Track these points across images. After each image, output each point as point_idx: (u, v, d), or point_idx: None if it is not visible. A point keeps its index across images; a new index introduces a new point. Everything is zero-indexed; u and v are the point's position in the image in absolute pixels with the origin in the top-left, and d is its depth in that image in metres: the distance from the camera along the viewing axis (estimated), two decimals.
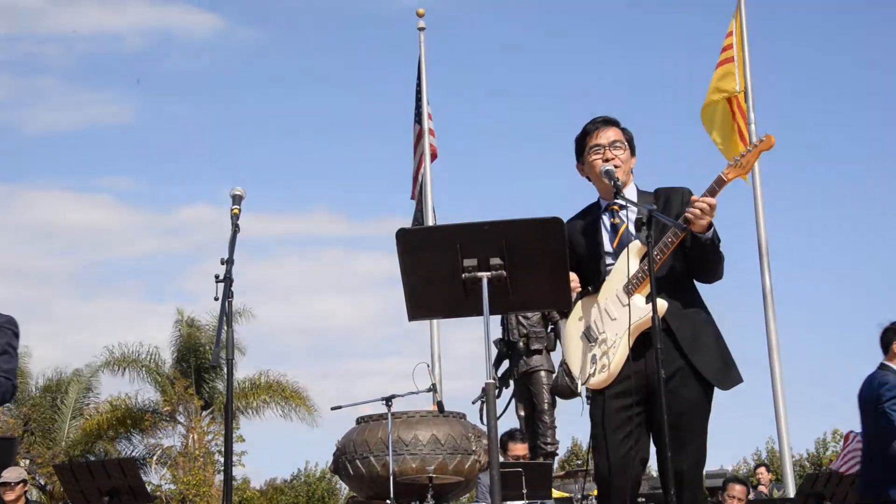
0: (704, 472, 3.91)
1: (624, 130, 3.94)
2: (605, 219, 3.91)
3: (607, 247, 3.87)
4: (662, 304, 3.65)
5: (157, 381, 20.77)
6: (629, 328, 3.67)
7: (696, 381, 3.69)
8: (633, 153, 3.96)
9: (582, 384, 3.85)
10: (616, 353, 3.73)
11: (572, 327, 3.92)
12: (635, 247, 3.76)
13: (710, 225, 3.65)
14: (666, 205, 3.81)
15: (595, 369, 3.78)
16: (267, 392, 21.07)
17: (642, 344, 3.69)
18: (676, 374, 3.66)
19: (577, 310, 3.90)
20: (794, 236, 37.10)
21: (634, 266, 3.74)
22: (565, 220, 3.72)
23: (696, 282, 3.86)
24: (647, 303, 3.67)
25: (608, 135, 3.88)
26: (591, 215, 3.97)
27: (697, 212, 3.58)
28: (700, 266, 3.78)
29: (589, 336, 3.85)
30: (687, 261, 3.77)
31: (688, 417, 3.63)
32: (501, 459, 6.68)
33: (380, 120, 37.02)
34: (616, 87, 35.56)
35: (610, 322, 3.78)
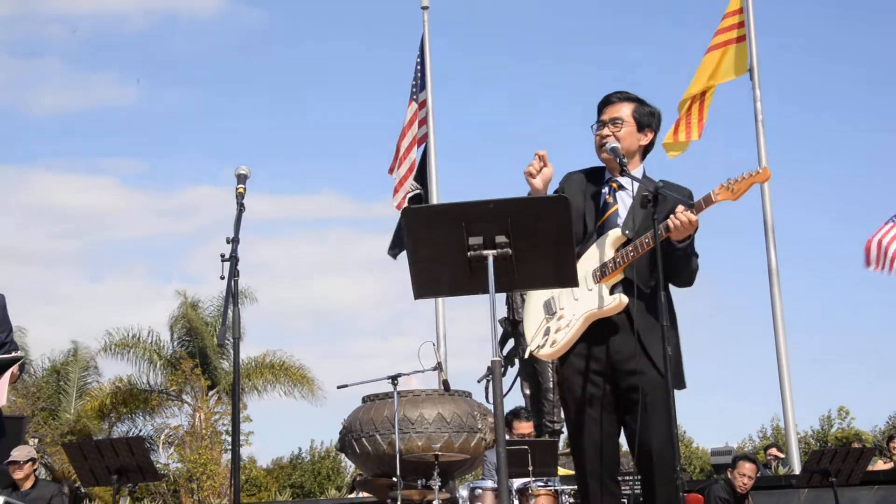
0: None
1: (639, 106, 3.88)
2: (603, 193, 3.89)
3: (592, 224, 3.85)
4: (624, 298, 3.67)
5: (158, 363, 20.82)
6: (584, 314, 3.71)
7: (654, 367, 3.66)
8: (644, 129, 3.90)
9: (530, 350, 3.85)
10: (568, 334, 3.75)
11: (537, 292, 3.91)
12: (614, 235, 3.76)
13: (690, 236, 3.65)
14: (662, 199, 3.72)
15: (546, 341, 3.80)
16: (272, 372, 21.12)
17: (606, 327, 3.71)
18: (638, 358, 3.65)
19: None
20: (800, 213, 37.03)
21: (609, 254, 3.74)
22: (572, 171, 3.66)
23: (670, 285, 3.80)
24: (611, 294, 3.70)
25: (612, 111, 3.86)
26: (594, 181, 3.93)
27: (678, 223, 3.59)
28: (670, 271, 3.71)
29: (548, 307, 3.86)
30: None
31: (652, 397, 3.61)
32: (507, 438, 6.70)
33: (386, 101, 36.92)
34: (619, 68, 35.41)
35: (572, 301, 3.79)
